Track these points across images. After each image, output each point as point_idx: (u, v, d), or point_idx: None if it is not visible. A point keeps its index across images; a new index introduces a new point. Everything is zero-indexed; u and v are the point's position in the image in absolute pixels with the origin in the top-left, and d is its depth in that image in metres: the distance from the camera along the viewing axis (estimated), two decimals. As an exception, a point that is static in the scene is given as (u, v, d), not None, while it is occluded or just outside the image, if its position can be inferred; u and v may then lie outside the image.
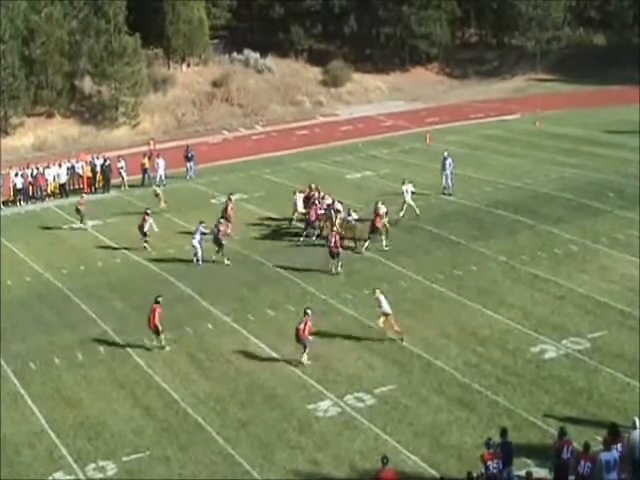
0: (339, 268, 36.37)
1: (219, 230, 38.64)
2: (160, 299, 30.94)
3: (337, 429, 25.13)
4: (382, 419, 25.36)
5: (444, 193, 45.39)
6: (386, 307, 30.10)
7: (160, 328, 30.62)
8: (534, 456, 22.50)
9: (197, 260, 38.64)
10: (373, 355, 29.26)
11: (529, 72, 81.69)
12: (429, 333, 30.48)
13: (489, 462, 20.45)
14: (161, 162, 53.78)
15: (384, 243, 38.67)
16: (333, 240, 36.21)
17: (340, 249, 36.40)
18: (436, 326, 30.98)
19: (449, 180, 46.15)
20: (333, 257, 36.38)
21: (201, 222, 39.27)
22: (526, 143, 56.82)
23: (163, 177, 53.71)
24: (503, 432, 21.46)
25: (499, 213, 42.12)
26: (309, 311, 29.40)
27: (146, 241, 40.86)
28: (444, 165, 46.51)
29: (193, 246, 38.61)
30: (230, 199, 43.11)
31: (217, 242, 38.73)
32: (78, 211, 45.93)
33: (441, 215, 42.34)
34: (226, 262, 38.57)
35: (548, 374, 27.09)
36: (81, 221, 45.95)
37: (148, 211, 41.59)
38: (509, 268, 35.63)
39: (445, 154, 47.12)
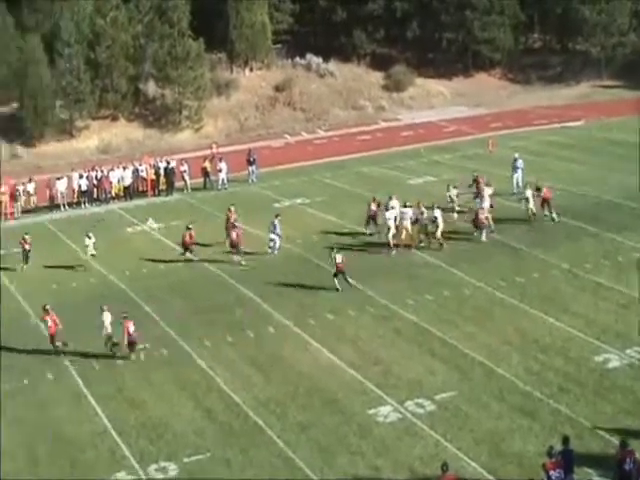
0: (349, 281, 35.59)
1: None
2: None
3: (397, 435, 25.08)
4: (442, 425, 25.25)
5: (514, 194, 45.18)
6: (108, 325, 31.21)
7: None
8: (596, 466, 22.26)
9: (273, 250, 40.20)
10: (434, 360, 29.17)
11: (594, 78, 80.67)
12: (491, 340, 30.29)
13: (551, 471, 20.25)
14: (223, 166, 54.12)
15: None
16: (341, 258, 35.68)
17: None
18: (498, 333, 30.78)
19: (520, 181, 46.07)
20: (337, 275, 35.62)
21: (277, 215, 40.68)
22: (589, 150, 56.26)
23: (225, 180, 54.09)
24: (565, 440, 21.30)
25: (561, 220, 41.70)
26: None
27: (185, 253, 40.78)
28: (514, 167, 46.47)
29: (271, 239, 40.06)
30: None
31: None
32: (24, 250, 41.41)
33: (502, 221, 42.01)
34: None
35: (611, 384, 26.76)
36: (26, 261, 41.37)
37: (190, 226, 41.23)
38: (572, 276, 35.30)
39: (516, 155, 47.13)
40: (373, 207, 41.84)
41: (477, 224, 40.27)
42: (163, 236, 44.84)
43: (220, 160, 54.76)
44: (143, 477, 24.09)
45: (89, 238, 41.85)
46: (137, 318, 34.32)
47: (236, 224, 41.12)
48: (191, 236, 40.40)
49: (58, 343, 31.63)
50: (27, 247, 41.26)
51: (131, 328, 30.84)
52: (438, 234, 39.35)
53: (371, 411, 26.38)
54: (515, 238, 39.82)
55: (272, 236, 40.19)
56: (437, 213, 39.58)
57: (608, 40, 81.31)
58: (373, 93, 78.03)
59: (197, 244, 40.91)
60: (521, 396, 26.54)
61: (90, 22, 70.31)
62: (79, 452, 25.62)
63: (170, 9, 71.01)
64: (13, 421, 27.66)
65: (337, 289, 35.50)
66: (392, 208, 40.49)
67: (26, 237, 41.57)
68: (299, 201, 49.47)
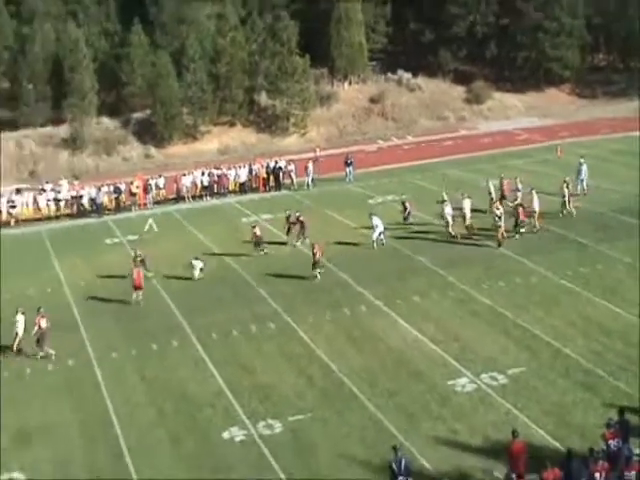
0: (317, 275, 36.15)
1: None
2: None
3: (473, 403, 24.99)
4: (513, 397, 25.07)
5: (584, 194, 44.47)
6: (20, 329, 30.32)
7: None
8: (651, 437, 21.84)
9: (377, 242, 39.60)
10: (507, 340, 28.91)
11: (655, 93, 78.55)
12: (557, 323, 29.89)
13: (610, 440, 20.00)
14: (310, 169, 54.27)
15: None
16: (320, 251, 36.16)
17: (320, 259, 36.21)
18: (564, 317, 30.35)
19: (584, 184, 45.27)
20: (315, 265, 36.06)
21: (370, 214, 40.48)
22: (649, 157, 54.79)
23: (311, 184, 54.17)
24: (621, 411, 21.14)
25: (624, 219, 40.83)
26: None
27: (262, 249, 40.79)
28: (579, 171, 45.67)
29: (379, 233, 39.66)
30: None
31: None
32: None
33: (568, 218, 41.35)
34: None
35: (666, 364, 26.24)
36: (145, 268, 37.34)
37: (255, 224, 42.18)
38: (633, 269, 34.50)
39: (581, 160, 46.25)
40: (407, 205, 43.23)
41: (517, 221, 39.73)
42: (272, 226, 45.08)
43: (310, 163, 55.17)
44: (253, 432, 24.38)
45: (197, 260, 38.19)
46: (249, 297, 34.90)
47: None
48: (255, 235, 40.78)
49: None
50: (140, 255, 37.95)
51: (43, 324, 29.87)
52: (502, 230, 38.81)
53: (450, 382, 26.30)
54: (580, 234, 39.13)
55: (376, 230, 39.74)
56: (499, 211, 39.09)
57: (669, 59, 79.14)
58: (456, 105, 77.24)
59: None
60: (584, 373, 26.18)
61: (212, 41, 71.17)
62: (198, 409, 26.06)
63: (280, 30, 71.41)
64: (145, 381, 28.30)
65: (316, 276, 36.00)
66: (447, 205, 40.43)
67: (138, 253, 38.13)
68: (390, 198, 49.28)
